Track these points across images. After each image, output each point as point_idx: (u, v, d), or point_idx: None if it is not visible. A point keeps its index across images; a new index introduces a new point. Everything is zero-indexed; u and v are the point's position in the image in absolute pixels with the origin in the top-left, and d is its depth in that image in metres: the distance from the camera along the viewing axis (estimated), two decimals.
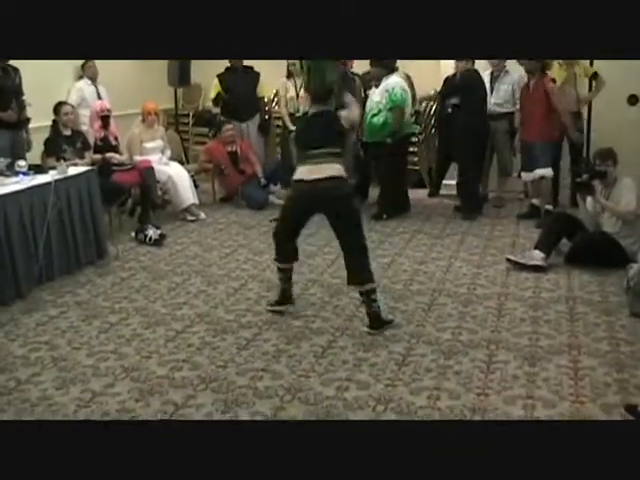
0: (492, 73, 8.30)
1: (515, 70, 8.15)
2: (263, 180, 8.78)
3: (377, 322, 4.91)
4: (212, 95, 9.27)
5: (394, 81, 7.82)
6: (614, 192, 6.14)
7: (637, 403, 3.76)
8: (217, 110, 9.29)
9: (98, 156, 7.30)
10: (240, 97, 8.92)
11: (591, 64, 8.29)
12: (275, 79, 9.04)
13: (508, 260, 6.22)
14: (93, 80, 8.69)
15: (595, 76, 8.09)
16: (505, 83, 8.23)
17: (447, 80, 8.56)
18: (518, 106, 8.02)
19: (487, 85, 8.19)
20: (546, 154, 7.61)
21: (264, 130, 9.43)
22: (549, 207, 7.76)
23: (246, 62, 8.98)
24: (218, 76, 9.11)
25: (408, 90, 7.94)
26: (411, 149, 8.96)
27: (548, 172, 7.64)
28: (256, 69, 9.14)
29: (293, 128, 7.38)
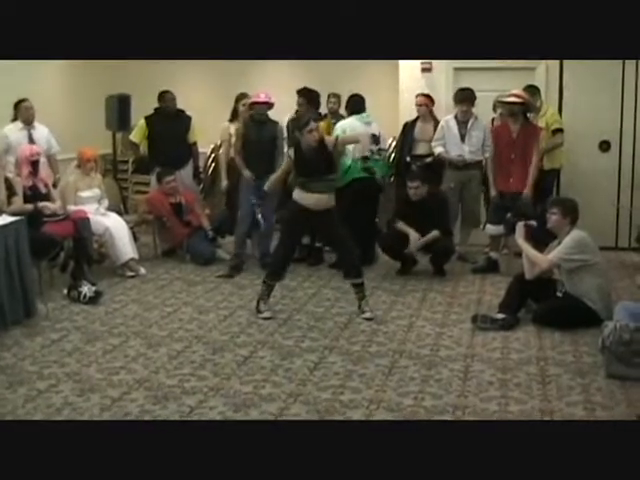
0: (456, 118, 8.10)
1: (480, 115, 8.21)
2: (210, 233, 8.44)
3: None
4: (134, 137, 8.83)
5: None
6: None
7: None
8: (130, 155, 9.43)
9: (29, 206, 6.96)
10: (169, 143, 8.51)
11: (560, 113, 8.44)
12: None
13: (474, 320, 5.97)
14: (27, 123, 8.12)
15: (556, 132, 8.10)
16: (477, 129, 8.04)
17: (406, 126, 8.57)
18: (488, 154, 7.87)
19: (455, 132, 8.06)
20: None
21: (199, 179, 9.19)
22: None
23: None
24: (146, 118, 8.68)
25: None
26: None
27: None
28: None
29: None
